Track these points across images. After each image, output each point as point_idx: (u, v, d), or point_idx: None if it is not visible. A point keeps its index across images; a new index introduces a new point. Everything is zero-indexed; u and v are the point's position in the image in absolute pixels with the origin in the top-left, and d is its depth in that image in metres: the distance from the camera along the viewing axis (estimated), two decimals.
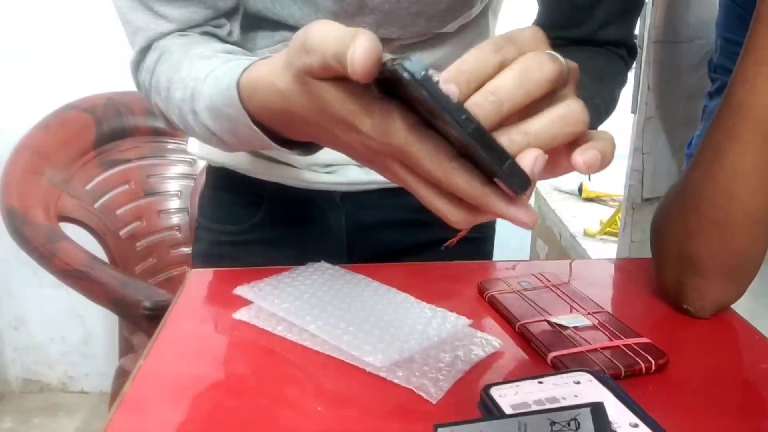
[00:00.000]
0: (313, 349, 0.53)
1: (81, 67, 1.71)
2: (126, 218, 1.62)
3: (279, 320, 0.57)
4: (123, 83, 0.71)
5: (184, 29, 0.61)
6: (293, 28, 0.65)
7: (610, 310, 0.58)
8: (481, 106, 0.34)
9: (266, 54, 0.67)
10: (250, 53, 0.62)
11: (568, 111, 0.36)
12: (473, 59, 0.35)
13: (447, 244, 0.78)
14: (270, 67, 0.44)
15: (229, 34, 0.64)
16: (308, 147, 0.51)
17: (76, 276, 1.35)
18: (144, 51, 0.61)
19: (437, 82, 0.32)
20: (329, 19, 0.63)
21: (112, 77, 1.31)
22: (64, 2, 1.68)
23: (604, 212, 1.57)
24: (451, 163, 0.35)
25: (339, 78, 0.37)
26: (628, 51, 0.71)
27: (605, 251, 1.38)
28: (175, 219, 1.68)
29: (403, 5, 0.63)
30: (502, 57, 0.36)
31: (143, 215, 1.64)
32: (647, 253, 0.64)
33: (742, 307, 0.62)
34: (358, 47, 0.33)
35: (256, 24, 0.67)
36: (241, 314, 0.58)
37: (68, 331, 1.98)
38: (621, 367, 0.50)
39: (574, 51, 0.67)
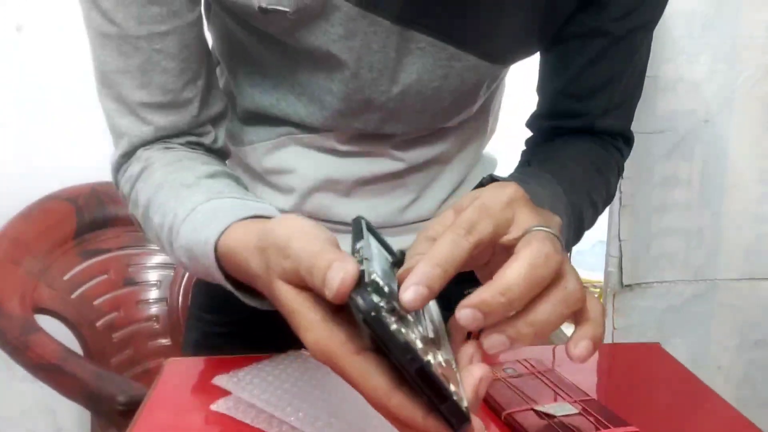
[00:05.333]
0: None
1: (66, 157, 1.73)
2: (103, 308, 1.58)
3: (258, 411, 0.55)
4: (108, 174, 0.71)
5: (169, 135, 0.61)
6: (297, 125, 0.66)
7: (596, 397, 0.58)
8: (491, 305, 0.34)
9: (269, 146, 0.68)
10: (233, 172, 0.62)
11: (567, 294, 0.36)
12: (447, 245, 0.36)
13: None
14: (244, 242, 0.44)
15: (214, 141, 0.65)
16: None
17: (50, 369, 1.31)
18: (127, 156, 0.61)
19: (389, 324, 0.32)
20: (335, 116, 0.63)
21: (97, 167, 1.32)
22: (53, 94, 1.71)
23: None
24: (393, 395, 0.35)
25: (304, 287, 0.37)
26: (624, 141, 0.72)
27: None
28: (154, 309, 1.65)
29: (408, 103, 0.63)
30: (478, 238, 0.36)
31: (121, 305, 1.61)
32: (630, 340, 0.64)
33: (729, 395, 0.62)
34: (341, 273, 0.33)
35: (258, 120, 0.68)
36: (219, 405, 0.57)
37: (39, 427, 1.90)
38: None
39: (573, 141, 0.68)
